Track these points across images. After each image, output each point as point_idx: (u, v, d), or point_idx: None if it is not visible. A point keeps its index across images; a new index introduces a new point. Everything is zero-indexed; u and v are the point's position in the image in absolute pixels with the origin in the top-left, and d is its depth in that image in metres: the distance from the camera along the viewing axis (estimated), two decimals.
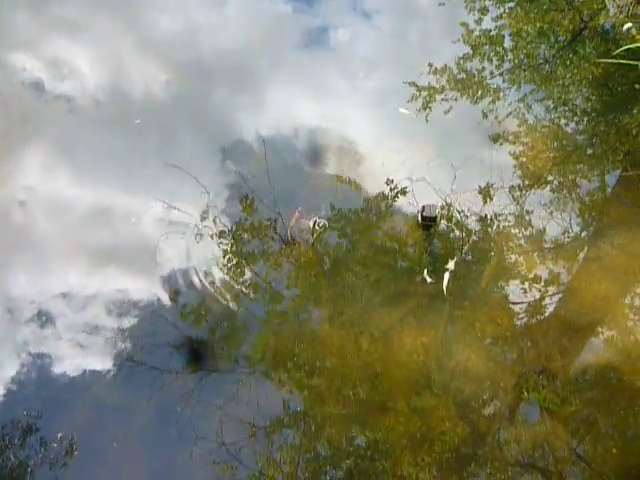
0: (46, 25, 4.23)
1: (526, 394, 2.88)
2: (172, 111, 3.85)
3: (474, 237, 3.33)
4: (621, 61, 3.89)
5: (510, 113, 3.94)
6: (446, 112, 3.92)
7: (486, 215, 3.42)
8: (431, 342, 2.91)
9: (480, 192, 3.49)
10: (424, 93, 4.03)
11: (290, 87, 4.00)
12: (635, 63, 3.85)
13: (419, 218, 3.18)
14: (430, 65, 4.14)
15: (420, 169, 3.51)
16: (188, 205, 3.34)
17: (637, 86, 3.81)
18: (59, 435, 2.69)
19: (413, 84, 4.05)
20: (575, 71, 4.17)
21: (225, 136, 3.73)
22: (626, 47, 3.85)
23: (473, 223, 3.38)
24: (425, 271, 3.08)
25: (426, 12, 4.63)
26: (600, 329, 3.11)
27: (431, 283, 3.05)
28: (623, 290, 3.22)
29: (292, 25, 4.45)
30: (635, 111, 3.89)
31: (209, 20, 4.41)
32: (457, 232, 3.32)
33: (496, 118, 3.90)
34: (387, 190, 3.44)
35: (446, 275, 3.05)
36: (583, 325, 3.08)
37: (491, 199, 3.49)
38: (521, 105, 4.00)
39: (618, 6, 4.26)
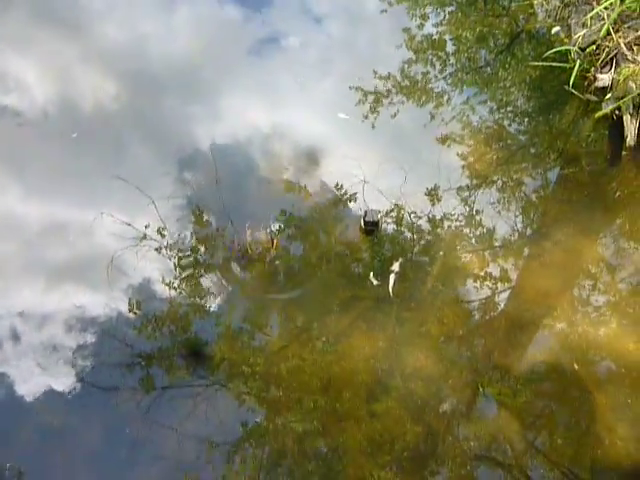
0: None
1: (481, 389, 2.96)
2: (122, 122, 3.81)
3: (421, 238, 3.42)
4: (552, 64, 4.07)
5: (454, 116, 4.06)
6: (393, 116, 4.01)
7: (433, 216, 3.51)
8: (381, 344, 2.98)
9: (428, 194, 3.59)
10: (371, 98, 4.12)
11: (241, 94, 4.02)
12: (564, 65, 4.03)
13: (362, 223, 3.25)
14: (375, 72, 4.23)
15: (370, 173, 3.58)
16: (140, 218, 3.33)
17: (566, 87, 3.98)
18: (7, 465, 2.64)
19: (360, 89, 4.13)
20: (514, 73, 4.33)
21: (176, 146, 3.72)
22: (554, 50, 4.02)
23: (420, 225, 3.47)
24: (371, 274, 3.15)
25: (372, 18, 4.72)
26: (543, 323, 3.23)
27: (378, 285, 3.12)
28: (563, 284, 3.35)
29: (241, 32, 4.46)
30: (566, 111, 4.07)
31: (157, 29, 4.38)
32: (403, 234, 3.40)
33: (442, 121, 4.01)
34: (336, 196, 3.50)
35: (392, 277, 3.13)
36: (528, 320, 3.20)
37: (438, 200, 3.58)
38: (465, 107, 4.13)
39: (547, 10, 4.45)
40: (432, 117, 4.02)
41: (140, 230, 3.25)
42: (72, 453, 2.68)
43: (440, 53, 4.48)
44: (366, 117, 4.00)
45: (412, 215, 3.47)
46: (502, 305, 3.30)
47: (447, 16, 4.73)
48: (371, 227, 3.20)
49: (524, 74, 4.24)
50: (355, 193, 3.51)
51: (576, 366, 3.02)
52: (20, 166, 3.57)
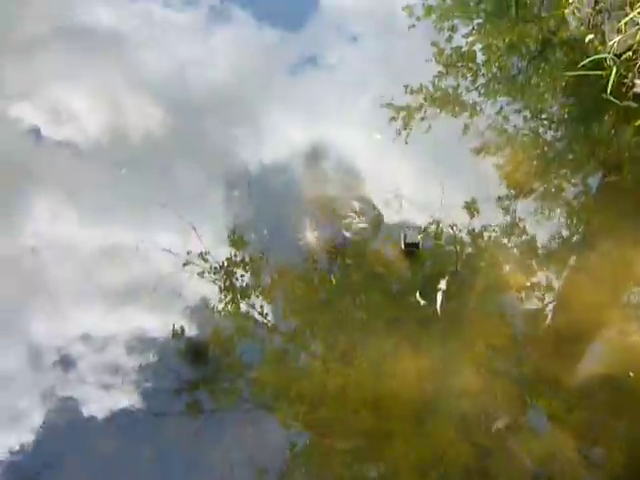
0: (39, 72, 4.29)
1: (530, 401, 2.94)
2: (170, 148, 3.91)
3: (463, 253, 3.42)
4: (587, 72, 4.04)
5: (489, 125, 4.05)
6: (426, 131, 4.02)
7: (474, 229, 3.50)
8: (431, 362, 2.98)
9: (466, 207, 3.59)
10: (404, 113, 4.14)
11: (283, 115, 4.08)
12: (599, 73, 4.00)
13: (402, 245, 3.27)
14: (406, 86, 4.26)
15: (407, 190, 3.60)
16: (192, 241, 3.42)
17: (604, 95, 3.94)
18: None
19: (393, 106, 4.15)
20: (548, 80, 4.30)
21: (224, 170, 3.80)
22: (590, 59, 3.99)
23: (462, 239, 3.46)
24: (417, 294, 3.17)
25: (402, 34, 4.75)
26: (594, 336, 3.19)
27: (425, 305, 3.13)
28: (611, 296, 3.31)
29: (279, 53, 4.54)
30: (605, 119, 4.02)
31: (196, 54, 4.48)
32: (445, 250, 3.41)
33: (477, 131, 4.00)
34: (376, 215, 3.54)
35: (439, 295, 3.14)
36: (577, 333, 3.16)
37: (478, 212, 3.57)
38: (499, 117, 4.12)
39: (579, 19, 4.42)
40: (466, 128, 4.02)
41: (188, 254, 3.34)
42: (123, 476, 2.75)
43: (471, 64, 4.48)
44: (400, 133, 4.03)
45: (453, 229, 3.48)
46: (549, 318, 3.27)
47: (477, 27, 4.73)
48: (412, 248, 3.22)
49: (559, 83, 4.21)
50: (395, 211, 3.53)
51: (631, 374, 2.97)
52: (76, 194, 3.69)
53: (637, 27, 4.00)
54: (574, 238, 3.59)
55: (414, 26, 4.68)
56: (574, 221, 3.65)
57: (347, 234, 3.42)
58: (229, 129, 4.02)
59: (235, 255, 3.37)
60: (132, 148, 3.89)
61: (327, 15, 4.81)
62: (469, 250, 3.43)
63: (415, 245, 3.21)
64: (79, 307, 3.21)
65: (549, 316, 3.27)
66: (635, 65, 3.98)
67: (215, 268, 3.31)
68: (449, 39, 4.60)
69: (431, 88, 4.28)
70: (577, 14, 4.42)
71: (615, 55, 4.02)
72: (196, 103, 4.15)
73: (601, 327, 3.23)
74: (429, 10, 4.77)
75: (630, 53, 3.99)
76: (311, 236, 3.42)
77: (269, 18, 4.69)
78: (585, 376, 3.06)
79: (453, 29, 4.65)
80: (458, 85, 4.34)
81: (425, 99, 4.21)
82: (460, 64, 4.47)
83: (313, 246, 3.38)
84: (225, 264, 3.33)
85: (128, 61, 4.40)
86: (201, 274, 3.28)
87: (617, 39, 4.06)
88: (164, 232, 3.45)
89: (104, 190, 3.69)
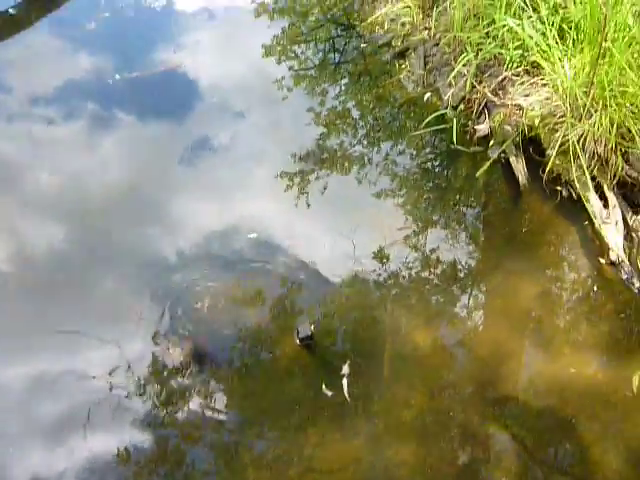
0: None
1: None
2: (79, 264, 3.74)
3: (362, 330, 3.44)
4: (434, 127, 4.31)
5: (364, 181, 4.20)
6: (322, 191, 4.14)
7: (370, 306, 3.50)
8: (354, 449, 2.92)
9: (354, 281, 3.58)
10: (298, 179, 4.23)
11: (189, 205, 4.05)
12: (444, 127, 4.28)
13: (297, 341, 3.25)
14: (294, 155, 4.37)
15: (305, 271, 3.62)
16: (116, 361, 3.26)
17: (452, 145, 4.22)
18: None
19: (285, 173, 4.25)
20: (406, 146, 4.51)
21: (140, 275, 3.69)
22: (432, 116, 4.27)
23: (358, 317, 3.50)
24: (323, 386, 3.11)
25: (285, 102, 4.93)
26: (510, 376, 3.25)
27: (333, 395, 3.08)
28: (519, 336, 3.42)
29: (172, 144, 4.55)
30: (461, 166, 4.28)
31: (88, 163, 4.37)
32: (343, 333, 3.41)
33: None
34: (270, 311, 3.51)
35: (344, 382, 3.10)
36: (495, 378, 3.21)
37: (368, 285, 3.59)
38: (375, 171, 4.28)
39: (414, 81, 4.76)
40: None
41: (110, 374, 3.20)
42: None
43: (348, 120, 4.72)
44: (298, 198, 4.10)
45: (348, 310, 3.51)
46: (462, 369, 3.31)
47: (341, 93, 4.99)
48: (307, 341, 3.19)
49: (414, 143, 4.46)
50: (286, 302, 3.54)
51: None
52: None
53: (465, 78, 4.35)
54: (465, 286, 3.69)
55: (287, 97, 4.90)
56: (460, 267, 3.77)
57: (243, 332, 3.38)
58: (139, 231, 3.93)
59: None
60: (41, 271, 3.69)
61: (209, 98, 4.96)
62: (367, 326, 3.45)
63: (309, 338, 3.19)
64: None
65: (463, 369, 3.31)
66: (472, 113, 4.31)
67: (142, 385, 3.18)
68: (321, 103, 4.86)
69: (317, 149, 4.45)
70: (412, 77, 4.77)
71: (452, 107, 4.34)
72: (99, 212, 4.00)
73: (511, 370, 3.31)
74: (297, 81, 5.07)
75: (464, 103, 4.33)
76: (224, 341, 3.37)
77: (154, 115, 4.76)
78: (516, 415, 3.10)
79: (323, 93, 4.93)
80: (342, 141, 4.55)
81: (314, 161, 4.35)
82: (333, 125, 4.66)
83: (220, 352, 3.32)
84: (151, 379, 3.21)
85: (20, 184, 4.21)
86: (130, 395, 3.13)
87: (450, 93, 4.39)
88: (85, 356, 3.25)
89: (16, 320, 3.45)
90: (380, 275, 3.65)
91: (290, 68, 5.20)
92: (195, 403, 3.11)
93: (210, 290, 3.62)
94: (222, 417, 3.07)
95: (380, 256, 3.72)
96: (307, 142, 4.49)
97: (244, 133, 4.61)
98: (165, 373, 3.23)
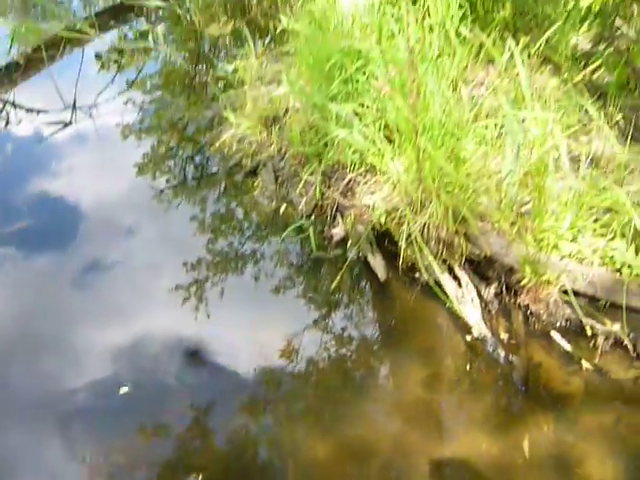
0: None
1: None
2: None
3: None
4: (295, 238, 4.48)
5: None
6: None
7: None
8: None
9: None
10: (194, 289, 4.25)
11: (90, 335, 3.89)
12: (302, 236, 4.45)
13: None
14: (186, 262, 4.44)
15: None
16: None
17: (312, 254, 4.38)
18: None
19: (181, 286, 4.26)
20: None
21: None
22: (289, 229, 4.45)
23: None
24: None
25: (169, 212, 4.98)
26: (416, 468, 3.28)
27: None
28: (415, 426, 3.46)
29: (62, 271, 4.43)
30: (331, 274, 4.37)
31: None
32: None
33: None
34: None
35: None
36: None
37: None
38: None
39: (269, 197, 4.97)
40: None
41: None
42: None
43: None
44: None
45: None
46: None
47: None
48: None
49: (275, 258, 4.54)
50: None
51: None
52: None
53: (313, 186, 4.60)
54: (354, 387, 3.73)
55: (167, 210, 5.01)
56: (343, 372, 3.83)
57: None
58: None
59: None
60: None
61: (93, 219, 4.90)
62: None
63: None
64: None
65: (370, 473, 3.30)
66: (327, 218, 4.54)
67: None
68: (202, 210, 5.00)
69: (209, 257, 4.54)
70: (267, 192, 4.97)
71: (307, 216, 4.55)
72: None
73: (418, 455, 3.33)
74: (174, 195, 5.19)
75: (318, 210, 4.56)
76: None
77: (38, 245, 4.62)
78: None
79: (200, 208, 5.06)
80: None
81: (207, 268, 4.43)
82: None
83: None
84: None
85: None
86: None
87: (302, 202, 4.62)
88: None
89: None
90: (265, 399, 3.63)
91: (163, 185, 5.32)
92: None
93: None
94: None
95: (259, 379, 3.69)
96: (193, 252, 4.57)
97: (138, 248, 4.63)
98: None
